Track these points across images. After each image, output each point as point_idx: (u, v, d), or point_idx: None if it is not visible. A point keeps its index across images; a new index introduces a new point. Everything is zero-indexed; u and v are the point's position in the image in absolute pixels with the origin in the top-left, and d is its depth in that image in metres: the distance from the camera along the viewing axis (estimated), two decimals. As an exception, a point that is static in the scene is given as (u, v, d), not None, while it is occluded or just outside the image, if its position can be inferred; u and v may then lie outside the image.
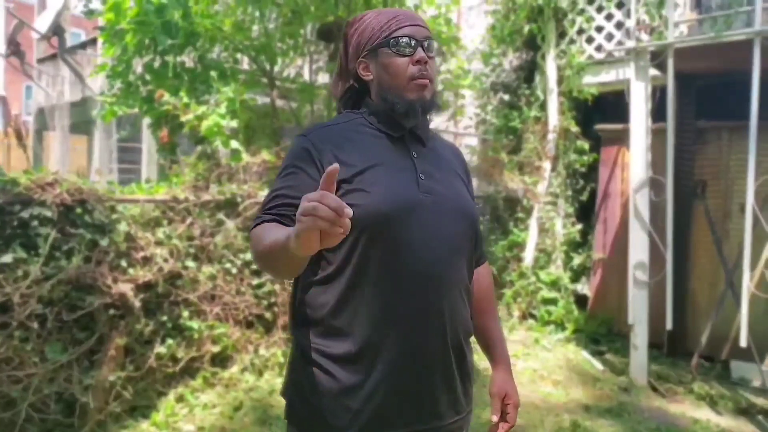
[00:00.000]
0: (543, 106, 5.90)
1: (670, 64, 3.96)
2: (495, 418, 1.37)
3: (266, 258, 1.12)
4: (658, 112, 4.34)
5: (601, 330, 5.21)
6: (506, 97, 6.42)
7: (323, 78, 5.55)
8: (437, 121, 5.69)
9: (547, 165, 5.79)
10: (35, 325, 2.84)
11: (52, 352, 2.86)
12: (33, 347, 2.83)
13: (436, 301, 1.20)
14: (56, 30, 8.81)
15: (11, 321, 2.78)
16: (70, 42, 10.10)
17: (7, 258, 2.81)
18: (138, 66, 5.06)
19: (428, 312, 1.20)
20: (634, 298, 4.19)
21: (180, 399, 3.25)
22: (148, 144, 8.34)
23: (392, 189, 1.19)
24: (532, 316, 5.44)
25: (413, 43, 1.26)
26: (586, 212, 5.78)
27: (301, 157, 1.22)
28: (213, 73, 4.57)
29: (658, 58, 4.10)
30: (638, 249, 4.17)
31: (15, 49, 8.75)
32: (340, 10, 3.95)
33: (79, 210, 3.06)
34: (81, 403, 2.93)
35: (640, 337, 4.16)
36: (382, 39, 1.27)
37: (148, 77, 4.90)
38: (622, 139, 5.08)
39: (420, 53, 1.26)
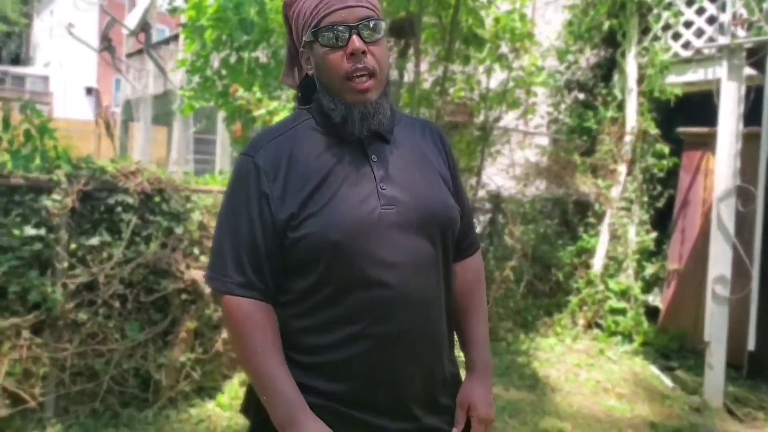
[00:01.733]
0: (621, 107, 5.62)
1: (770, 63, 3.68)
2: (455, 431, 1.20)
3: (248, 365, 1.11)
4: (749, 116, 4.05)
5: (673, 345, 4.93)
6: (581, 95, 6.17)
7: (393, 74, 5.57)
8: (506, 120, 5.56)
9: (622, 168, 5.53)
10: (117, 304, 3.04)
11: (131, 331, 3.05)
12: (115, 324, 3.03)
13: (407, 323, 1.09)
14: (143, 26, 9.34)
15: (97, 299, 2.99)
16: (155, 38, 10.68)
17: (95, 240, 3.02)
18: (215, 62, 5.29)
19: (399, 336, 1.09)
20: (712, 314, 3.93)
21: (243, 383, 3.37)
22: (222, 136, 8.70)
23: (344, 211, 1.07)
24: (598, 326, 5.23)
25: (342, 29, 1.06)
26: (662, 220, 5.48)
27: (247, 186, 1.10)
28: (286, 69, 4.69)
29: (755, 56, 3.82)
30: (720, 262, 3.92)
31: (107, 44, 9.34)
32: (412, 5, 3.94)
33: (157, 198, 3.23)
34: (155, 380, 3.11)
35: (716, 356, 3.90)
36: (312, 29, 1.09)
37: (224, 72, 5.11)
38: (706, 143, 4.77)
39: (355, 43, 1.05)
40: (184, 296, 3.22)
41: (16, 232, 2.85)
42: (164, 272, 3.17)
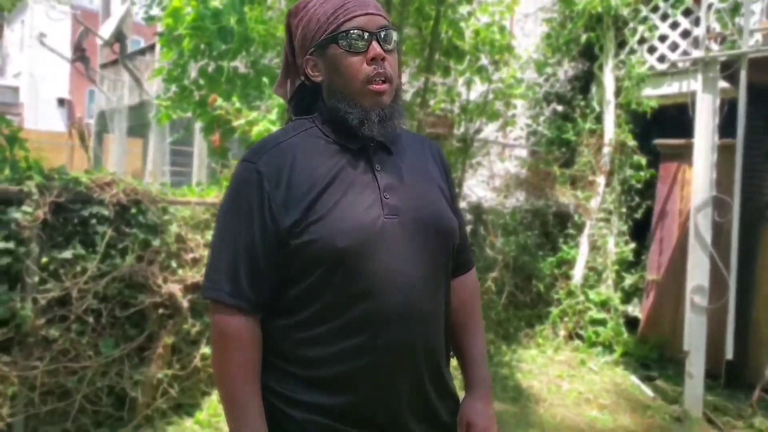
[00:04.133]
0: (599, 119, 5.71)
1: (743, 75, 3.74)
2: None
3: (222, 385, 1.10)
4: (723, 128, 4.13)
5: (652, 355, 4.97)
6: (560, 108, 6.25)
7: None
8: (486, 132, 5.60)
9: (601, 180, 5.60)
10: (91, 319, 2.93)
11: (105, 347, 2.94)
12: (88, 341, 2.92)
13: (408, 336, 1.08)
14: (118, 36, 9.20)
15: (69, 314, 2.88)
16: (130, 48, 10.52)
17: (68, 254, 2.91)
18: (193, 71, 5.22)
19: (399, 349, 1.08)
20: (691, 323, 3.97)
21: (223, 400, 3.28)
22: (199, 148, 8.58)
23: (350, 218, 1.06)
24: (579, 337, 5.25)
25: (366, 36, 1.08)
26: (640, 231, 5.54)
27: (249, 193, 1.08)
28: (265, 79, 4.65)
29: (728, 69, 3.90)
30: (697, 272, 3.96)
31: (80, 54, 9.18)
32: (393, 16, 3.95)
33: (133, 210, 3.14)
34: (130, 398, 3.01)
35: (696, 366, 3.93)
36: (329, 33, 1.09)
37: (202, 82, 5.04)
38: (683, 155, 4.86)
39: (375, 48, 1.08)
40: (161, 311, 3.13)
41: (-17, 245, 2.73)
42: (141, 286, 3.07)
